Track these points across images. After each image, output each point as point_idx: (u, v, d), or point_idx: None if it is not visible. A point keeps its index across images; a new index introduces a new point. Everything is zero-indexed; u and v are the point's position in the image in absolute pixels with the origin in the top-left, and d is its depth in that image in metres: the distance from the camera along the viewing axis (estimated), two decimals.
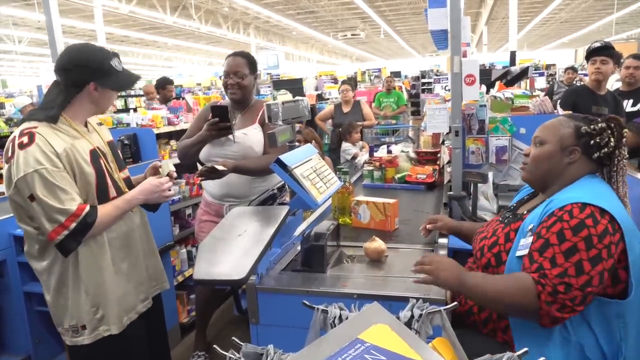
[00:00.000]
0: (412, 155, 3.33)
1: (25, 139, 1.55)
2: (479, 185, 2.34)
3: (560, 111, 2.50)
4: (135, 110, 3.56)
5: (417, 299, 1.18)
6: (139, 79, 1.83)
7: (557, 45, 31.52)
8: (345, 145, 4.84)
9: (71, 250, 1.60)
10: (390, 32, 24.37)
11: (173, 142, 3.44)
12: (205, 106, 2.69)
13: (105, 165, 1.73)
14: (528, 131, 2.39)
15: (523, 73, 3.92)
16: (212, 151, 2.41)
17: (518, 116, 2.45)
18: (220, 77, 22.26)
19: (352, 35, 22.72)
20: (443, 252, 1.83)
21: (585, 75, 9.57)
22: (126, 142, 2.86)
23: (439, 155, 3.32)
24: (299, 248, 1.83)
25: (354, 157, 4.74)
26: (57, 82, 1.68)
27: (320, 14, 20.11)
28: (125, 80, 1.73)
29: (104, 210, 1.65)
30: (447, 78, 8.61)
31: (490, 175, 2.28)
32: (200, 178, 2.14)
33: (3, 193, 1.96)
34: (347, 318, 1.24)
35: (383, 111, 7.58)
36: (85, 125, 1.76)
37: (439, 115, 2.50)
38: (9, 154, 1.58)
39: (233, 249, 1.40)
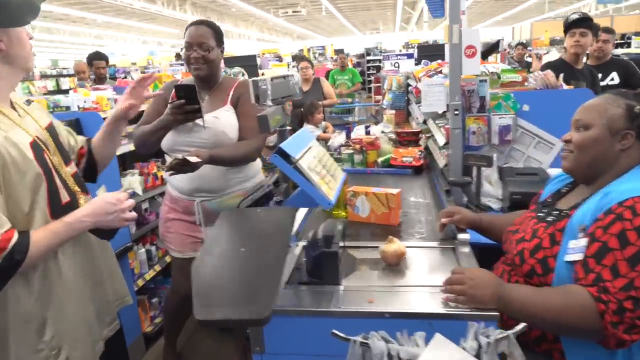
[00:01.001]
0: (392, 136, 3.08)
1: None
2: (482, 169, 2.12)
3: (564, 85, 2.32)
4: (70, 91, 3.06)
5: (474, 318, 0.95)
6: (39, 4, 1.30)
7: (492, 23, 32.38)
8: (307, 127, 4.52)
9: None
10: (331, 9, 23.98)
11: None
12: (165, 85, 2.28)
13: (51, 160, 1.31)
14: (532, 108, 2.18)
15: (494, 46, 3.76)
16: (177, 139, 2.03)
17: (520, 92, 2.24)
18: (159, 56, 20.79)
19: (293, 12, 22.13)
20: (465, 249, 1.59)
21: (531, 50, 9.75)
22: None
23: (420, 135, 3.09)
24: (296, 252, 1.53)
25: (318, 140, 4.44)
26: None
27: None
28: (26, 6, 1.24)
29: (38, 239, 1.22)
30: (396, 55, 8.45)
31: (495, 157, 2.06)
32: (169, 172, 1.76)
33: None
34: (397, 355, 0.97)
35: (338, 89, 7.29)
36: (13, 107, 1.32)
37: (435, 92, 2.25)
38: None
39: (239, 273, 1.07)
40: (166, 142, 2.04)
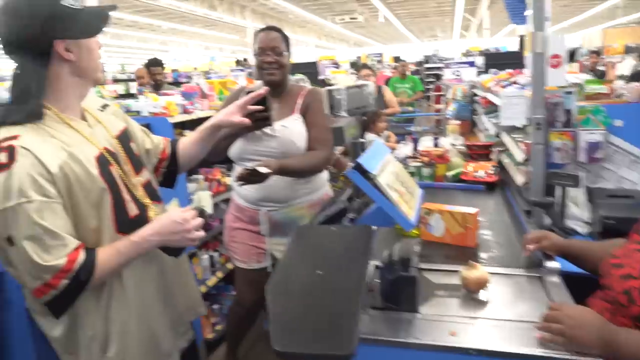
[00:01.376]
0: (462, 149, 2.93)
1: (2, 157, 1.09)
2: (567, 189, 1.95)
3: None
4: (141, 96, 3.12)
5: None
6: (115, 8, 1.30)
7: (559, 30, 31.04)
8: (369, 136, 4.42)
9: (63, 311, 1.19)
10: (389, 16, 23.78)
11: (187, 133, 3.01)
12: (235, 91, 2.27)
13: (119, 173, 1.28)
14: (626, 123, 1.99)
15: (570, 55, 3.51)
16: (246, 147, 2.00)
17: (611, 105, 2.04)
18: (219, 61, 21.31)
19: (350, 19, 22.12)
20: (554, 279, 1.44)
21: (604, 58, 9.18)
22: None
23: (492, 149, 2.93)
24: (368, 272, 1.43)
25: None
26: (18, 66, 1.17)
27: None
28: (96, 16, 1.21)
29: (104, 259, 1.19)
30: (457, 63, 8.20)
31: (582, 177, 1.88)
32: (239, 183, 1.72)
33: None
34: None
35: (399, 97, 7.14)
36: (84, 117, 1.30)
37: (514, 104, 2.10)
38: None
39: (317, 299, 1.00)
40: (234, 150, 2.02)
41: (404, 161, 2.96)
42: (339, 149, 2.85)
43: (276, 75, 2.00)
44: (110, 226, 1.24)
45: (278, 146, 1.97)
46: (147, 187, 1.40)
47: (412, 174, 2.71)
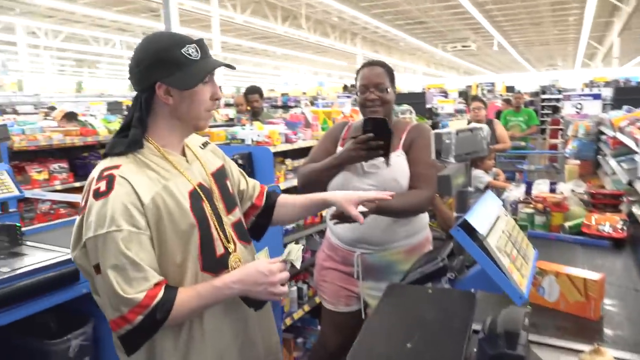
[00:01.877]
0: (584, 197, 2.62)
1: (102, 185, 1.15)
2: None
3: None
4: (247, 124, 3.22)
5: None
6: (231, 67, 1.34)
7: None
8: (476, 172, 4.16)
9: (136, 348, 1.19)
10: (504, 44, 22.85)
11: (289, 162, 3.04)
12: (336, 125, 2.22)
13: (210, 210, 1.28)
14: None
15: None
16: (345, 182, 1.93)
17: None
18: (327, 87, 22.00)
19: (462, 47, 21.61)
20: None
21: None
22: (240, 161, 2.49)
23: (622, 199, 2.57)
24: None
25: (487, 187, 4.05)
26: (134, 97, 1.27)
27: (430, 25, 19.34)
28: (204, 68, 1.22)
29: (183, 300, 1.16)
30: (578, 95, 7.55)
31: None
32: (334, 221, 1.65)
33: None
34: None
35: (510, 131, 6.72)
36: (184, 152, 1.33)
37: None
38: (82, 203, 1.19)
39: None
40: (334, 183, 1.95)
41: (513, 205, 2.71)
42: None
43: (379, 113, 1.92)
44: (195, 263, 1.23)
45: (379, 183, 1.87)
46: (238, 226, 1.39)
47: (521, 220, 2.47)
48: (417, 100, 5.59)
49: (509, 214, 1.39)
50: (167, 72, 1.19)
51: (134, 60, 1.23)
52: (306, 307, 2.92)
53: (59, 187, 4.11)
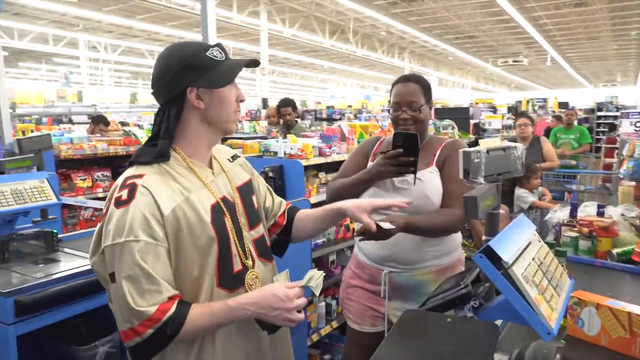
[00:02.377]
0: (636, 222, 2.42)
1: (124, 194, 1.15)
2: None
3: None
4: (280, 137, 3.22)
5: None
6: (255, 63, 1.31)
7: None
8: (520, 192, 3.98)
9: None
10: (558, 59, 22.08)
11: (322, 175, 3.00)
12: (367, 139, 2.17)
13: (231, 225, 1.25)
14: None
15: None
16: (374, 197, 1.86)
17: None
18: (372, 100, 21.97)
19: (513, 61, 21.03)
20: None
21: None
22: (271, 174, 2.48)
23: None
24: None
25: (531, 207, 3.87)
26: (158, 109, 1.27)
27: (481, 39, 18.97)
28: (231, 67, 1.24)
29: (195, 317, 1.14)
30: (638, 113, 7.13)
31: None
32: (359, 238, 1.59)
33: None
34: None
35: (560, 149, 6.42)
36: (210, 164, 1.31)
37: None
38: (104, 210, 1.19)
39: None
40: (365, 198, 1.90)
41: (557, 228, 2.56)
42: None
43: (411, 130, 1.85)
44: (211, 278, 1.21)
45: (410, 200, 1.80)
46: (259, 243, 1.36)
47: (564, 245, 2.31)
48: (461, 116, 5.45)
49: (543, 238, 1.28)
50: (197, 75, 1.20)
51: (158, 72, 1.22)
52: (334, 324, 2.86)
53: (101, 195, 4.25)
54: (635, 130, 5.83)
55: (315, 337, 2.70)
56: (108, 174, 4.44)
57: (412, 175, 1.73)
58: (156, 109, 1.28)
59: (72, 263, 2.14)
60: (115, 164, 4.74)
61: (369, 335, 1.99)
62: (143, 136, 4.80)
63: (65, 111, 11.30)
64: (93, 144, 4.24)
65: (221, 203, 1.25)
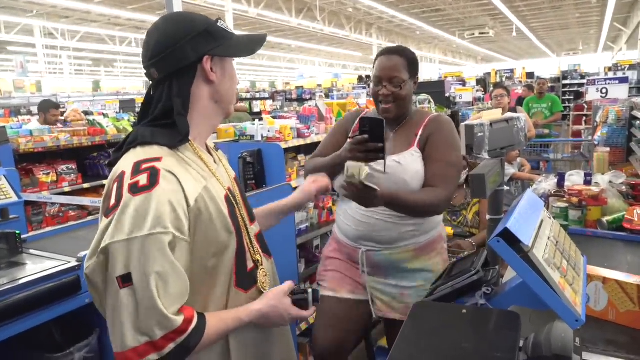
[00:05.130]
0: (623, 188, 2.40)
1: (143, 179, 0.94)
2: None
3: None
4: (260, 117, 3.07)
5: None
6: (264, 39, 1.18)
7: None
8: None
9: None
10: (523, 29, 22.27)
11: (302, 157, 2.88)
12: (347, 114, 2.04)
13: (241, 217, 1.12)
14: None
15: None
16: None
17: None
18: (342, 78, 21.92)
19: (480, 34, 21.09)
20: None
21: None
22: (249, 159, 2.34)
23: None
24: None
25: (512, 179, 3.84)
26: (159, 81, 1.06)
27: (447, 12, 18.94)
28: (249, 40, 1.13)
29: (211, 327, 1.00)
30: (604, 80, 7.22)
31: None
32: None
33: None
34: None
35: (533, 118, 6.44)
36: (209, 153, 1.17)
37: None
38: (112, 202, 0.96)
39: None
40: (337, 182, 1.78)
41: (544, 199, 2.51)
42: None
43: (391, 111, 1.73)
44: (228, 278, 1.07)
45: (387, 185, 1.68)
46: (260, 237, 1.25)
47: (555, 216, 2.27)
48: (435, 89, 5.37)
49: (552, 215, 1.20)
50: (216, 43, 1.07)
51: (166, 38, 1.03)
52: None
53: (67, 189, 4.00)
54: (602, 96, 5.89)
55: (303, 326, 2.61)
56: (74, 167, 4.19)
57: (383, 163, 1.60)
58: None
59: (39, 265, 1.97)
60: (80, 156, 4.49)
61: (345, 303, 1.87)
62: (109, 125, 4.55)
63: (23, 102, 10.78)
64: (55, 135, 3.98)
65: (229, 194, 1.11)
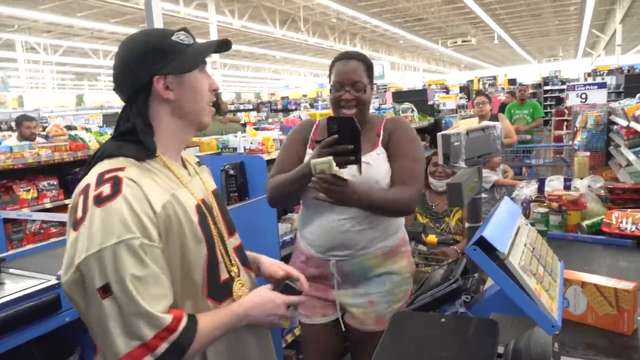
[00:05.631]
0: (601, 193, 2.44)
1: (106, 189, 0.95)
2: None
3: None
4: (238, 132, 3.05)
5: None
6: (227, 44, 1.16)
7: None
8: (483, 172, 3.99)
9: None
10: (504, 37, 22.66)
11: None
12: (301, 123, 1.96)
13: (214, 228, 1.11)
14: None
15: None
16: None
17: None
18: (327, 88, 22.28)
19: (462, 42, 21.41)
20: None
21: None
22: (231, 172, 2.33)
23: None
24: None
25: (494, 186, 3.88)
26: (124, 106, 1.10)
27: (429, 21, 19.21)
28: (201, 50, 1.11)
29: (204, 326, 1.00)
30: (583, 85, 7.34)
31: None
32: (307, 230, 1.48)
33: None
34: None
35: (515, 124, 6.53)
36: (184, 164, 1.17)
37: None
38: (78, 215, 0.96)
39: None
40: (306, 194, 1.70)
41: (525, 205, 2.54)
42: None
43: (355, 116, 1.72)
44: (199, 288, 1.06)
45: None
46: (240, 251, 1.23)
47: (535, 221, 2.29)
48: (418, 98, 5.42)
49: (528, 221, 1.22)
50: (164, 61, 1.05)
51: (120, 62, 1.06)
52: None
53: (49, 205, 3.95)
54: (581, 101, 6.00)
55: (289, 338, 2.60)
56: (55, 183, 4.14)
57: (358, 165, 1.49)
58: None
59: (19, 284, 1.93)
60: (62, 172, 4.43)
61: (321, 328, 1.86)
62: (91, 139, 4.50)
63: (4, 117, 10.64)
64: (36, 151, 3.93)
65: (202, 205, 1.10)
